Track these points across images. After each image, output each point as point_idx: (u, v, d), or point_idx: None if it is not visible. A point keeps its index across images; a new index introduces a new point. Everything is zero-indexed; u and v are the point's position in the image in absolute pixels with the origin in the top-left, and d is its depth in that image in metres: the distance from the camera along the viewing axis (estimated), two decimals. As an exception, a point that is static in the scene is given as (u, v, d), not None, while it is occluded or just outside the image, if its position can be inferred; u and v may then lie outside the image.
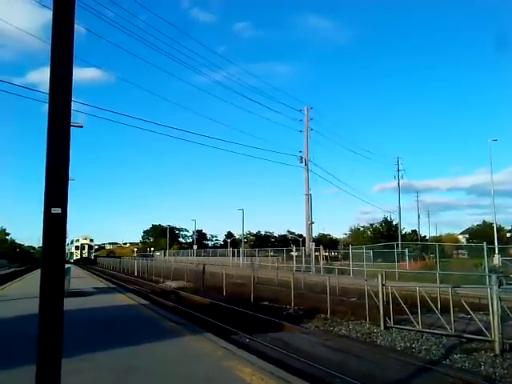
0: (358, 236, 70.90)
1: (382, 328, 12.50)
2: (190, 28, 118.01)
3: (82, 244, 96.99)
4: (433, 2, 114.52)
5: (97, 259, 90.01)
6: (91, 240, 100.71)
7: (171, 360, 7.41)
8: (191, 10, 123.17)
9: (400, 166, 62.53)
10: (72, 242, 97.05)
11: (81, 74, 77.75)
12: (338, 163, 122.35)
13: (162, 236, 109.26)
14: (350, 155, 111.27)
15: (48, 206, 3.67)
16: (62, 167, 3.78)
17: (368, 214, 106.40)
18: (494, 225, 43.24)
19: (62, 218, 3.73)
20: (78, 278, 27.72)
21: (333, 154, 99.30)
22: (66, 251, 67.17)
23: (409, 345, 10.89)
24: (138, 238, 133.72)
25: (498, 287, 10.11)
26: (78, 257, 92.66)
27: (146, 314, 12.97)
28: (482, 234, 66.88)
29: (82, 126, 24.43)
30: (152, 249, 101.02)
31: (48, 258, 3.67)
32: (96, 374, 6.51)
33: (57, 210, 3.68)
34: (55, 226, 3.69)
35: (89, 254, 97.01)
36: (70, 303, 12.90)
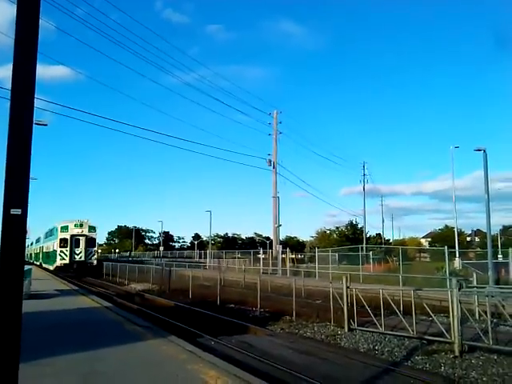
0: (324, 239, 71.62)
1: (346, 330, 12.67)
2: (162, 29, 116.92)
3: (73, 236, 44.68)
4: (401, 8, 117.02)
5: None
6: (92, 229, 46.03)
7: (134, 364, 7.30)
8: (164, 11, 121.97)
9: (366, 170, 63.72)
10: (51, 233, 49.39)
11: (49, 71, 75.92)
12: (307, 167, 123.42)
13: (127, 237, 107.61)
14: (319, 159, 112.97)
15: (7, 206, 3.55)
16: (23, 166, 3.67)
17: (335, 217, 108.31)
18: (455, 229, 44.41)
19: (22, 220, 3.62)
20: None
21: (301, 158, 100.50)
22: (43, 250, 56.39)
23: (372, 347, 11.07)
24: (102, 239, 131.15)
25: (458, 290, 10.39)
26: (66, 260, 43.51)
27: (110, 317, 12.73)
28: (443, 237, 68.83)
29: (46, 125, 23.95)
30: (117, 250, 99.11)
31: (7, 261, 3.55)
32: (55, 379, 6.35)
33: (17, 211, 3.57)
34: (15, 227, 3.58)
35: (87, 254, 45.24)
36: (29, 306, 12.59)
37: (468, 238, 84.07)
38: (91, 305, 15.69)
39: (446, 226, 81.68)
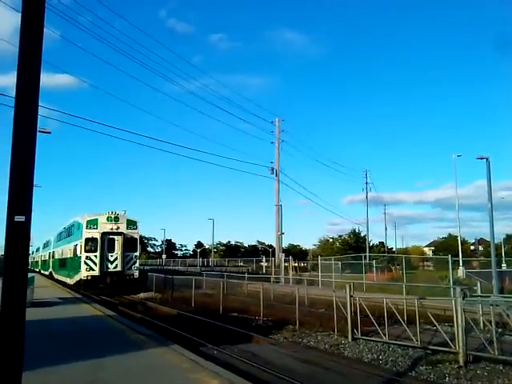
0: (327, 247, 71.51)
1: (350, 339, 12.57)
2: (165, 38, 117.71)
3: (105, 234, 28.88)
4: (401, 17, 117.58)
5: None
6: (132, 224, 30.29)
7: (137, 372, 7.25)
8: (168, 20, 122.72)
9: (368, 179, 63.61)
10: (70, 232, 34.84)
11: (53, 79, 76.33)
12: (309, 175, 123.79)
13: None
14: (321, 167, 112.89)
15: (11, 213, 3.56)
16: (27, 174, 3.68)
17: (337, 226, 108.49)
18: (459, 238, 44.28)
19: (26, 227, 3.62)
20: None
21: (304, 166, 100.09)
22: (53, 256, 43.50)
23: (376, 356, 10.98)
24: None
25: (463, 299, 10.31)
26: (94, 271, 28.24)
27: (113, 326, 12.69)
28: (446, 246, 68.54)
29: (49, 132, 24.08)
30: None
31: (10, 268, 3.55)
32: (58, 387, 6.32)
33: (20, 218, 3.57)
34: (18, 234, 3.58)
35: (126, 262, 29.20)
36: (32, 314, 12.55)
37: (471, 247, 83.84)
38: (94, 313, 15.65)
39: (450, 235, 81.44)
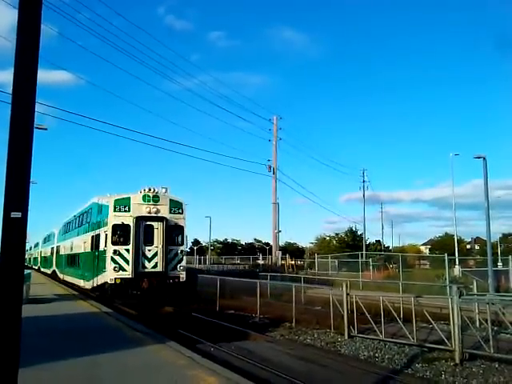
0: (323, 245, 71.42)
1: (346, 337, 12.61)
2: (163, 35, 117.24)
3: (140, 219, 19.73)
4: (401, 16, 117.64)
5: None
6: (176, 206, 21.17)
7: (134, 369, 7.25)
8: (166, 18, 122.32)
9: (365, 177, 63.52)
10: (87, 217, 24.95)
11: (51, 76, 76.01)
12: (307, 173, 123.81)
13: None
14: (319, 166, 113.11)
15: (8, 210, 3.55)
16: (23, 170, 3.67)
17: (334, 224, 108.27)
18: (455, 237, 44.41)
19: (23, 223, 3.61)
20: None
21: (302, 164, 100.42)
22: (58, 251, 35.85)
23: (372, 354, 11.01)
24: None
25: (459, 298, 10.35)
26: (126, 272, 19.05)
27: (109, 323, 12.68)
28: (443, 245, 68.70)
29: (46, 129, 23.97)
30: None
31: (7, 264, 3.54)
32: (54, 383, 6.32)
33: (17, 215, 3.56)
34: (15, 230, 3.57)
35: (170, 259, 20.15)
36: (28, 310, 12.52)
37: (468, 246, 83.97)
38: (90, 310, 15.64)
39: (446, 234, 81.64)
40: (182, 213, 21.16)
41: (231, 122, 72.03)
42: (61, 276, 33.40)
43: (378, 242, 78.35)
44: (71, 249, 29.32)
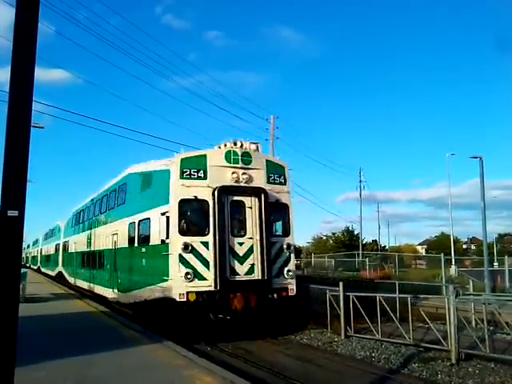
0: (320, 245, 71.56)
1: (343, 337, 12.60)
2: (161, 34, 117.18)
3: (223, 191, 11.80)
4: (400, 21, 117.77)
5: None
6: (277, 170, 13.15)
7: (130, 369, 7.23)
8: (164, 17, 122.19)
9: (362, 177, 63.73)
10: (129, 191, 15.64)
11: (48, 74, 75.79)
12: (303, 173, 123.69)
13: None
14: (316, 166, 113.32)
15: (4, 208, 3.53)
16: (20, 169, 3.65)
17: (331, 224, 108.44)
18: (451, 236, 44.55)
19: (19, 222, 3.59)
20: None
21: (298, 164, 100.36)
22: (65, 248, 29.23)
23: (368, 354, 11.00)
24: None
25: (455, 298, 10.36)
26: (207, 281, 11.31)
27: (105, 322, 12.65)
28: (439, 245, 68.86)
29: (43, 127, 23.87)
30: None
31: (3, 263, 3.52)
32: (49, 383, 6.29)
33: (13, 213, 3.54)
34: (11, 229, 3.55)
35: (274, 259, 12.36)
36: (24, 310, 12.47)
37: (464, 246, 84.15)
38: (87, 309, 15.60)
39: (442, 233, 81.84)
40: (285, 183, 13.51)
41: (228, 121, 71.92)
42: (71, 280, 27.00)
43: (374, 241, 78.43)
44: (89, 244, 21.79)
